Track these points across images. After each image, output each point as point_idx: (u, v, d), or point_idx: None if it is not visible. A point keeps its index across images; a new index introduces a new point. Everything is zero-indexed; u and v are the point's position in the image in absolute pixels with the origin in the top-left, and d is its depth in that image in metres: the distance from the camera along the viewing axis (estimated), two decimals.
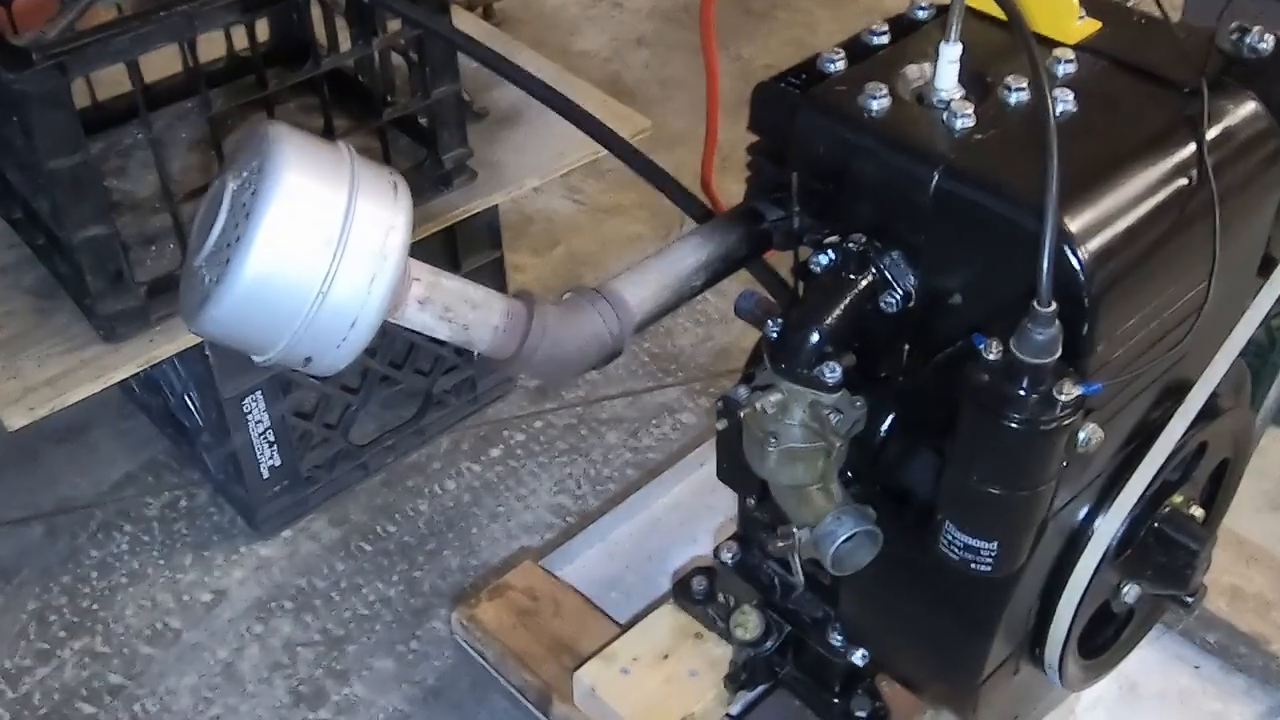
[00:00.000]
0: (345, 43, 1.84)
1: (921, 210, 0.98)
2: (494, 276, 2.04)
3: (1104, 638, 1.27)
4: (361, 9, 1.78)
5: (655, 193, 1.29)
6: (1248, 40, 1.04)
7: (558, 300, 1.01)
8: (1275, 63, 1.05)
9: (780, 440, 1.05)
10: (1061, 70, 1.05)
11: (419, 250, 1.90)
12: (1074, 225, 0.91)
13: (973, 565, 0.98)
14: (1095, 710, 1.50)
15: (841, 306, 1.01)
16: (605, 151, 1.90)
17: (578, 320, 0.99)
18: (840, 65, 1.07)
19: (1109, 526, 1.10)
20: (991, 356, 0.90)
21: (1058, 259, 0.90)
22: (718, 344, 2.27)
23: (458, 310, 0.93)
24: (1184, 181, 0.98)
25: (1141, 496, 1.10)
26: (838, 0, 3.22)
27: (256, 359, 0.88)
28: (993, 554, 0.97)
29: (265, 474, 1.92)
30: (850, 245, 1.02)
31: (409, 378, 2.03)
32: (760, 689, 1.39)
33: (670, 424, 2.14)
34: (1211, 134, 1.00)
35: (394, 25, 1.79)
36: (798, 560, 1.13)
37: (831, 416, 1.04)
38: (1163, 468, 1.10)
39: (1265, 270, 1.13)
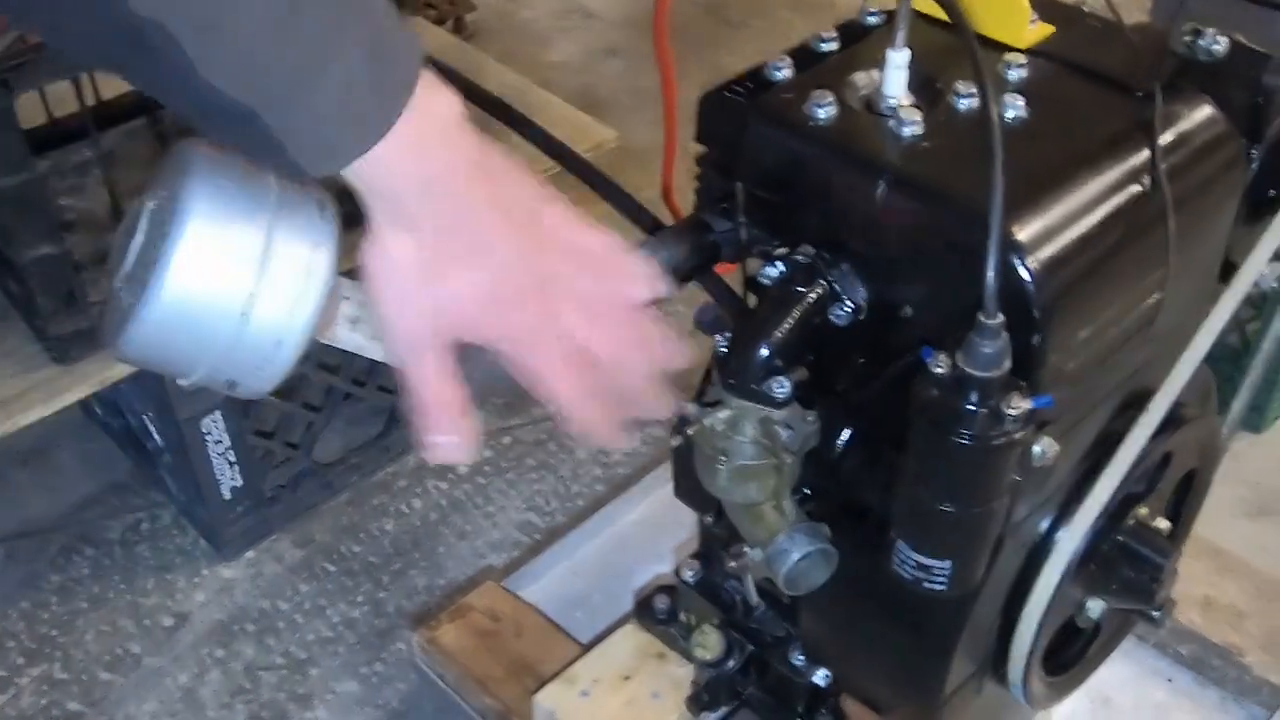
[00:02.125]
0: None
1: (868, 220, 0.95)
2: None
3: (1070, 654, 1.25)
4: None
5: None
6: (1201, 43, 1.01)
7: None
8: (1230, 66, 1.03)
9: (731, 457, 1.02)
10: (1013, 75, 1.02)
11: None
12: (1022, 234, 0.89)
13: (926, 584, 0.95)
14: None
15: (790, 320, 0.98)
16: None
17: None
18: (787, 73, 1.04)
19: (1070, 540, 1.08)
20: (940, 370, 0.87)
21: (1006, 269, 0.88)
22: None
23: None
24: (1137, 188, 0.95)
25: (1104, 510, 1.08)
26: (814, 8, 3.20)
27: (181, 383, 0.85)
28: (946, 572, 0.94)
29: (227, 495, 1.89)
30: (798, 257, 0.99)
31: (373, 394, 2.00)
32: (723, 710, 1.36)
33: (641, 438, 2.11)
34: (1165, 139, 0.97)
35: None
36: (750, 580, 1.11)
37: (782, 432, 1.01)
38: (1125, 480, 1.08)
39: (1226, 276, 1.11)
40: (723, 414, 1.02)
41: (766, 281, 1.02)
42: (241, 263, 0.80)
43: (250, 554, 1.95)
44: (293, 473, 1.96)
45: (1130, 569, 1.14)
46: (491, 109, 1.28)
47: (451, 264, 0.79)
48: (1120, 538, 1.14)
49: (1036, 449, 0.96)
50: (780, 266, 1.01)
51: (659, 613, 1.41)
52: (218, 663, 1.80)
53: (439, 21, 3.17)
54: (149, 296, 0.79)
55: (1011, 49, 1.05)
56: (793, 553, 1.03)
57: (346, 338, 0.90)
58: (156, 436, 1.90)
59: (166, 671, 1.79)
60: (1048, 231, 0.91)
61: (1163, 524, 1.18)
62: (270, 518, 1.96)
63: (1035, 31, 1.06)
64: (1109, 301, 0.95)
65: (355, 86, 0.69)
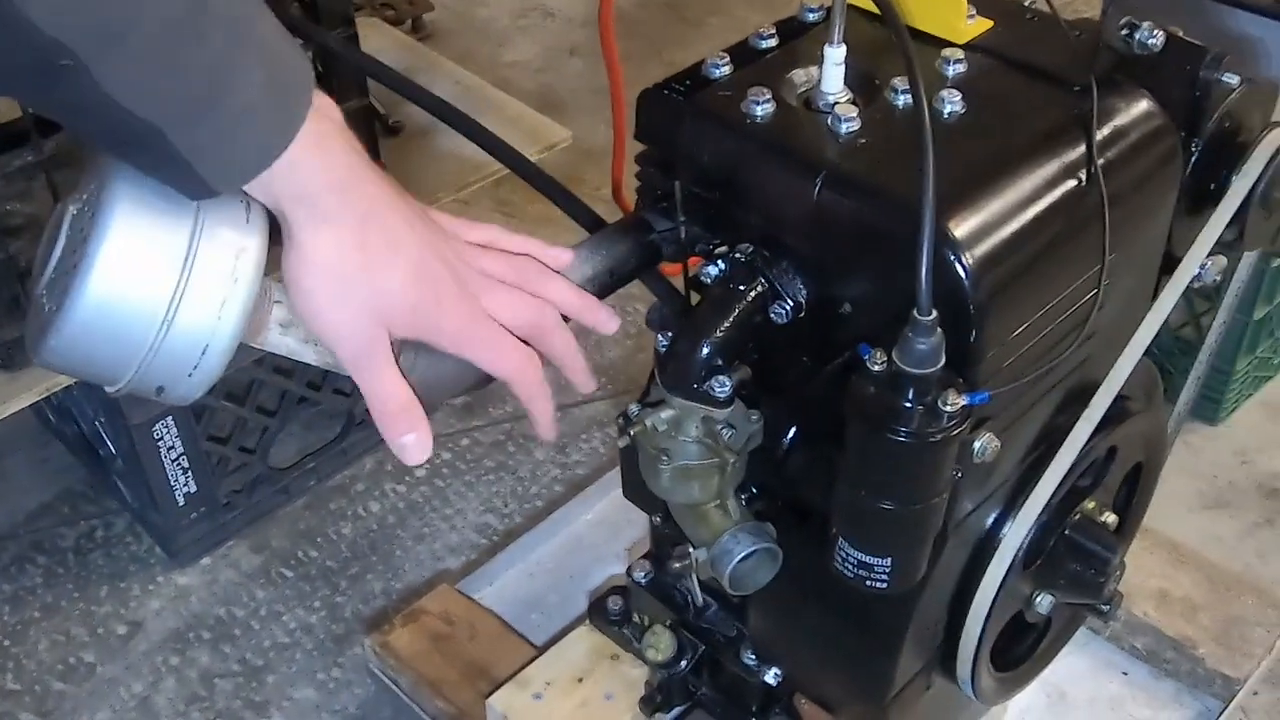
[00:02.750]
0: None
1: (806, 217, 0.95)
2: None
3: (1021, 649, 1.25)
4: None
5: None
6: (1138, 36, 1.01)
7: None
8: (1167, 59, 1.03)
9: (673, 457, 1.02)
10: (951, 71, 1.02)
11: None
12: (958, 230, 0.89)
13: (868, 582, 0.95)
14: None
15: (730, 319, 0.98)
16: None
17: None
18: (726, 70, 1.04)
19: (1015, 535, 1.08)
20: (876, 368, 0.87)
21: (941, 265, 0.88)
22: (649, 356, 2.24)
23: None
24: (1074, 182, 0.95)
25: (1048, 504, 1.08)
26: (771, 6, 3.20)
27: (108, 390, 0.84)
28: (887, 570, 0.94)
29: (181, 501, 1.87)
30: (737, 255, 0.99)
31: (328, 398, 1.98)
32: (677, 711, 1.36)
33: (600, 438, 2.10)
34: (1101, 133, 0.97)
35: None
36: (695, 580, 1.10)
37: (724, 432, 1.00)
38: (1069, 474, 1.08)
39: (1168, 269, 1.11)
40: (664, 414, 1.01)
41: (707, 280, 1.02)
42: (164, 268, 0.79)
43: (206, 560, 1.93)
44: (248, 478, 1.94)
45: (1077, 563, 1.14)
46: (438, 112, 1.28)
47: (376, 255, 0.79)
48: (1066, 532, 1.14)
49: (977, 445, 0.96)
50: (720, 265, 1.00)
51: (612, 614, 1.41)
52: (173, 670, 1.79)
53: (396, 22, 3.15)
54: (70, 303, 0.78)
55: (949, 44, 1.04)
56: (736, 552, 1.02)
57: (278, 342, 0.89)
58: (109, 443, 1.88)
59: (120, 680, 1.77)
60: (984, 227, 0.90)
61: (1110, 518, 1.18)
62: (226, 524, 1.94)
63: (973, 26, 1.06)
64: (1046, 296, 0.95)
65: (258, 98, 0.70)
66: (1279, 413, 2.12)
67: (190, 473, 1.85)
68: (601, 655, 1.40)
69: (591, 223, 1.17)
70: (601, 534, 1.69)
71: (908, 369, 0.85)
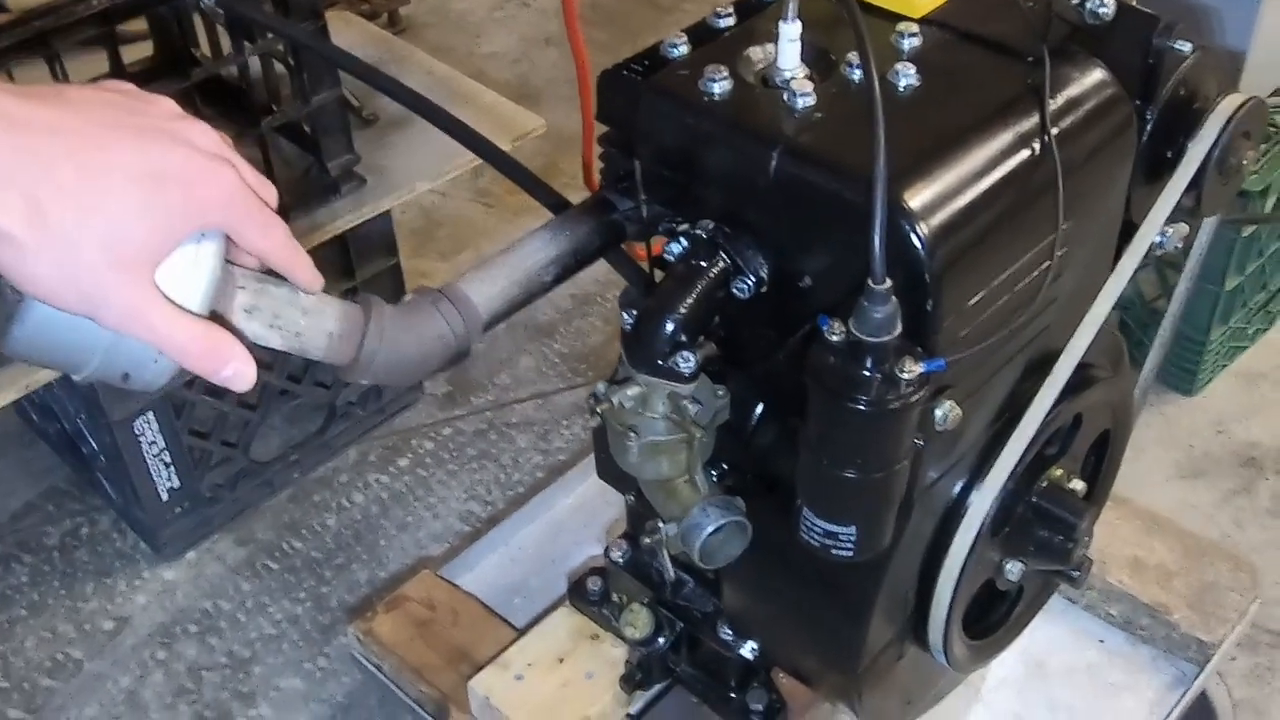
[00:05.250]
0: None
1: (764, 192, 0.96)
2: (391, 284, 2.01)
3: (995, 617, 1.26)
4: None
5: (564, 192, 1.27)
6: (1089, 6, 1.02)
7: (401, 302, 0.98)
8: (1120, 28, 1.04)
9: (641, 434, 1.03)
10: (906, 45, 1.03)
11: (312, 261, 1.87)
12: (913, 201, 0.90)
13: (834, 551, 0.96)
14: (1002, 690, 1.49)
15: (693, 295, 0.99)
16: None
17: (419, 322, 0.96)
18: (683, 50, 1.05)
19: (982, 502, 1.09)
20: (834, 338, 0.88)
21: (897, 235, 0.89)
22: None
23: (288, 317, 0.90)
24: (1028, 152, 0.96)
25: (1014, 471, 1.09)
26: None
27: (75, 377, 0.85)
28: (852, 538, 0.95)
29: (164, 496, 1.88)
30: (698, 232, 1.00)
31: (310, 390, 1.99)
32: (658, 688, 1.37)
33: (581, 425, 2.11)
34: (1054, 103, 0.98)
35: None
36: (666, 556, 1.11)
37: (690, 407, 1.01)
38: (1034, 441, 1.09)
39: (1129, 237, 1.12)
40: (631, 391, 1.02)
41: (670, 258, 1.03)
42: None
43: (191, 555, 1.94)
44: (231, 472, 1.95)
45: (1045, 530, 1.15)
46: (407, 102, 1.29)
47: (79, 192, 0.70)
48: (1034, 499, 1.15)
49: (938, 413, 0.97)
50: (682, 242, 1.01)
51: (591, 594, 1.42)
52: (160, 664, 1.80)
53: (373, 15, 3.16)
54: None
55: (905, 18, 1.05)
56: (705, 526, 1.03)
57: (243, 326, 0.90)
58: (91, 440, 1.89)
59: (108, 675, 1.79)
60: (939, 197, 0.91)
61: (1078, 485, 1.20)
62: (210, 518, 1.95)
63: (929, 1, 1.07)
64: (1002, 265, 0.96)
65: None
66: (1255, 382, 2.14)
67: (172, 467, 1.86)
68: (582, 635, 1.41)
69: (559, 208, 1.18)
70: (582, 517, 1.70)
71: (865, 338, 0.86)
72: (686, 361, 0.99)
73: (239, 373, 0.81)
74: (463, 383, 2.20)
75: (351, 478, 2.05)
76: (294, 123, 1.83)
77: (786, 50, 1.00)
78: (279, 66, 1.84)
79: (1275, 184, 1.86)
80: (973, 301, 0.94)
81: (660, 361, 1.00)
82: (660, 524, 1.07)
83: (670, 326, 0.99)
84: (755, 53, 1.04)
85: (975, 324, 0.95)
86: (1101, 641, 1.54)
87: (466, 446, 2.09)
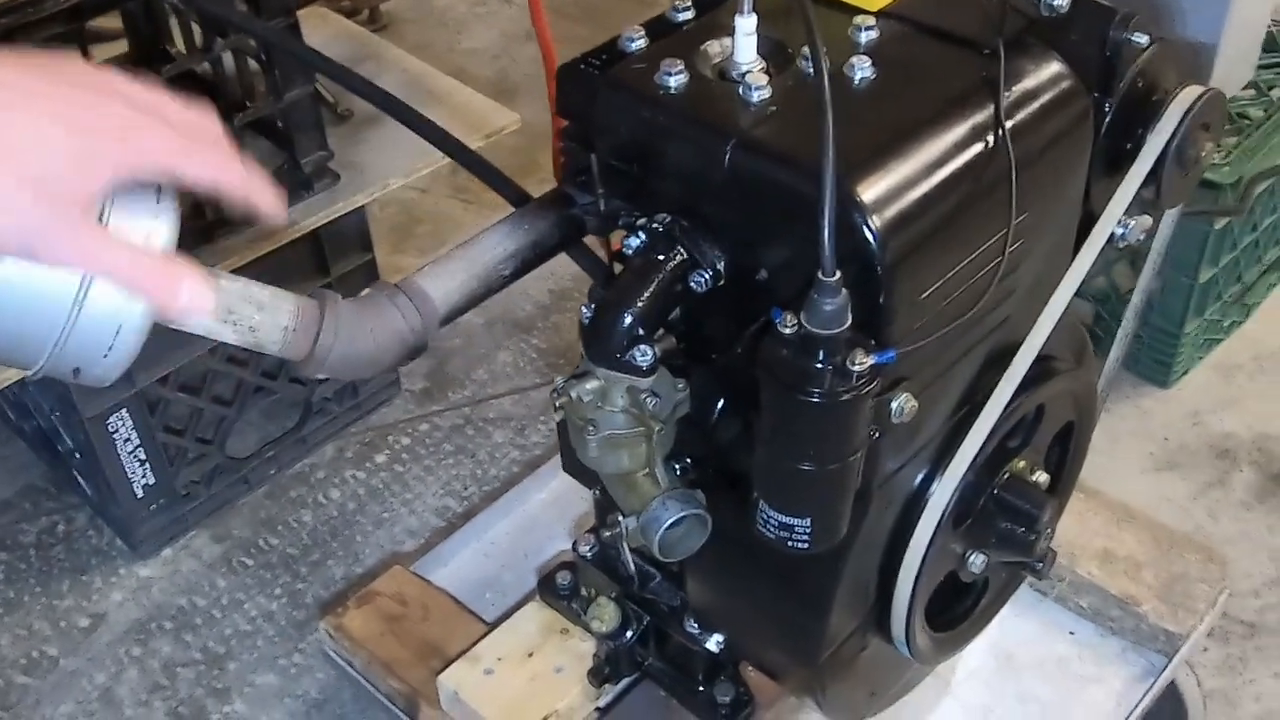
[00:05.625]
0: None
1: (719, 186, 0.96)
2: (366, 280, 2.01)
3: (960, 609, 1.26)
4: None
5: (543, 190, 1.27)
6: None
7: (356, 296, 0.98)
8: (1077, 21, 1.04)
9: (599, 427, 1.03)
10: (864, 37, 1.03)
11: (283, 258, 1.87)
12: (865, 194, 0.90)
13: (790, 543, 0.96)
14: (971, 681, 1.49)
15: (650, 289, 0.99)
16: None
17: (374, 317, 0.96)
18: (641, 43, 1.05)
19: (943, 494, 1.09)
20: (787, 330, 0.88)
21: (849, 229, 0.89)
22: None
23: (242, 312, 0.90)
24: (982, 145, 0.96)
25: (974, 463, 1.09)
26: None
27: (26, 373, 0.85)
28: (808, 530, 0.95)
29: (140, 493, 1.88)
30: (655, 226, 1.00)
31: (285, 387, 1.99)
32: (626, 681, 1.37)
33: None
34: (1009, 96, 0.99)
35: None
36: (627, 549, 1.11)
37: (649, 401, 1.01)
38: (994, 433, 1.09)
39: (1089, 228, 1.13)
40: (589, 385, 1.02)
41: (629, 252, 1.03)
42: None
43: (167, 552, 1.94)
44: (207, 469, 1.95)
45: (1007, 522, 1.16)
46: (373, 99, 1.29)
47: (6, 134, 0.70)
48: (996, 491, 1.16)
49: (894, 404, 0.97)
50: (641, 236, 1.02)
51: (561, 588, 1.42)
52: (135, 661, 1.80)
53: (353, 12, 3.15)
54: None
55: (863, 11, 1.06)
56: (665, 518, 1.04)
57: (195, 321, 0.90)
58: (66, 437, 1.89)
59: (83, 672, 1.78)
60: (892, 190, 0.92)
61: (1041, 477, 1.20)
62: (186, 514, 1.95)
63: None
64: (956, 258, 0.96)
65: None
66: (1230, 374, 2.14)
67: (147, 464, 1.85)
68: (552, 630, 1.41)
69: (522, 201, 1.18)
70: (555, 512, 1.70)
71: (815, 330, 0.86)
72: (644, 355, 0.99)
73: (195, 292, 0.79)
74: (440, 378, 2.20)
75: (328, 474, 2.05)
76: (268, 119, 1.83)
77: (742, 44, 1.00)
78: (253, 63, 1.84)
79: (1247, 176, 1.87)
80: (926, 294, 0.94)
81: (618, 355, 1.00)
82: (620, 518, 1.08)
83: (627, 320, 0.99)
84: (712, 47, 1.04)
85: (929, 316, 0.96)
86: (1072, 633, 1.54)
87: (443, 442, 2.09)
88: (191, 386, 1.86)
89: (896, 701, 1.33)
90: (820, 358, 0.87)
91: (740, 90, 0.98)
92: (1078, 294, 1.98)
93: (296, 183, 1.83)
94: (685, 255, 1.00)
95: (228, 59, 1.87)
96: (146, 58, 1.91)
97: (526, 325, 2.27)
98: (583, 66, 1.05)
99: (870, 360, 0.87)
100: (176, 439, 1.88)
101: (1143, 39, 1.06)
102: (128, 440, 1.81)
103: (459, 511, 1.95)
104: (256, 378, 1.92)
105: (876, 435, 0.97)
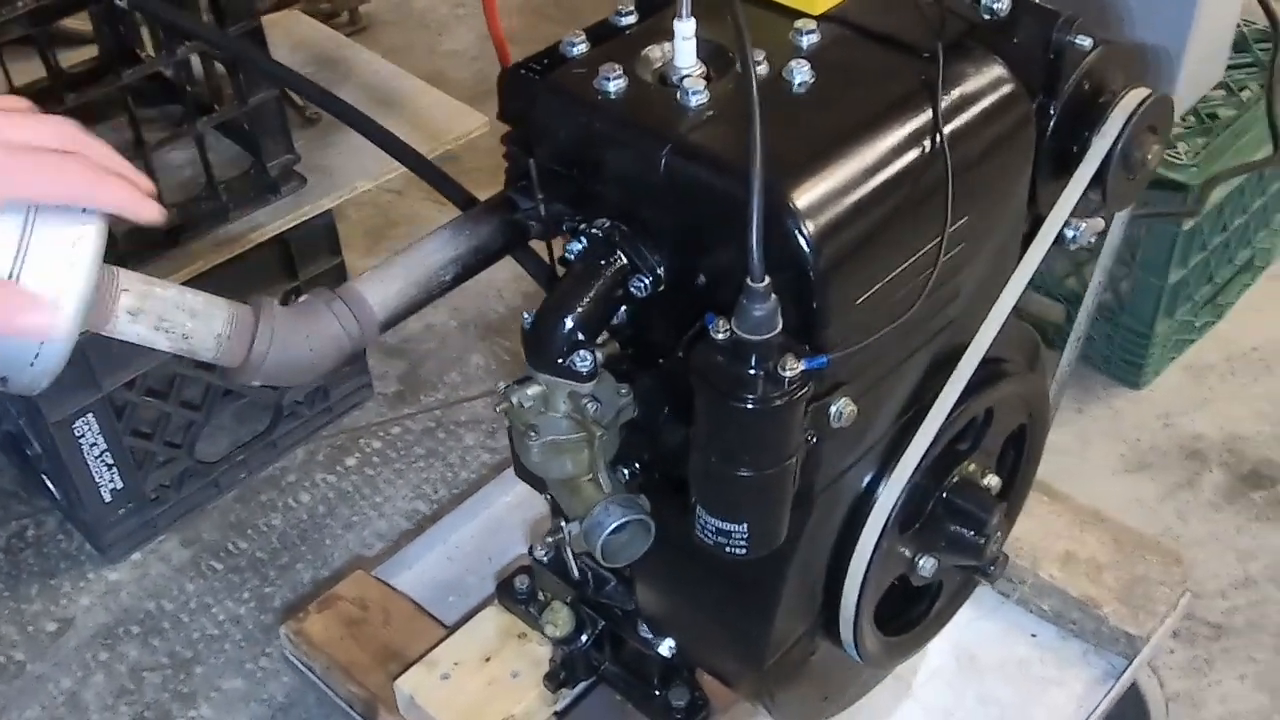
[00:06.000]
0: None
1: (656, 191, 0.96)
2: (335, 284, 2.00)
3: (914, 613, 1.26)
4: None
5: None
6: (984, 1, 1.02)
7: (294, 302, 0.98)
8: (1020, 24, 1.04)
9: (541, 433, 1.03)
10: (804, 41, 1.03)
11: (251, 262, 1.87)
12: (800, 200, 0.90)
13: (727, 549, 0.96)
14: (933, 682, 1.49)
15: (590, 294, 0.99)
16: (438, 153, 1.89)
17: (311, 323, 0.96)
18: (582, 48, 1.05)
19: (888, 497, 1.09)
20: (719, 336, 0.88)
21: (784, 234, 0.89)
22: None
23: (174, 320, 0.90)
24: (920, 150, 0.96)
25: (921, 467, 1.09)
26: None
27: None
28: (745, 536, 0.95)
29: (108, 497, 1.88)
30: (594, 231, 1.00)
31: (255, 390, 1.99)
32: (582, 686, 1.37)
33: None
34: (948, 100, 0.98)
35: None
36: (570, 554, 1.11)
37: (590, 406, 1.01)
38: (941, 436, 1.09)
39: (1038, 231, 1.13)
40: (530, 390, 1.02)
41: (571, 257, 1.03)
42: None
43: (137, 556, 1.94)
44: (176, 473, 1.95)
45: (956, 525, 1.15)
46: (333, 110, 1.29)
47: None
48: (945, 495, 1.15)
49: (833, 409, 0.97)
50: (581, 241, 1.01)
51: (519, 592, 1.42)
52: (102, 666, 1.80)
53: (333, 14, 3.16)
54: None
55: (805, 15, 1.05)
56: (607, 524, 1.03)
57: (127, 330, 0.90)
58: (34, 441, 1.88)
59: (49, 677, 1.78)
60: (827, 196, 0.91)
61: (992, 480, 1.20)
62: (155, 518, 1.95)
63: None
64: (892, 263, 0.96)
65: None
66: (1203, 375, 2.14)
67: (115, 469, 1.85)
68: (510, 634, 1.41)
69: (469, 205, 1.18)
70: (520, 515, 1.69)
71: (746, 336, 0.86)
72: (584, 361, 0.99)
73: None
74: (413, 381, 2.20)
75: (299, 477, 2.05)
76: (234, 122, 1.83)
77: (682, 48, 1.00)
78: (220, 66, 1.84)
79: (1214, 178, 1.87)
80: (861, 299, 0.94)
81: (559, 360, 1.00)
82: (563, 523, 1.08)
83: (567, 326, 0.99)
84: (653, 51, 1.03)
85: (865, 321, 0.95)
86: (1034, 636, 1.54)
87: (414, 445, 2.09)
88: (159, 391, 1.86)
89: (852, 705, 1.33)
90: (752, 363, 0.87)
91: (678, 95, 0.97)
92: (1049, 294, 1.99)
93: (263, 186, 1.83)
94: (625, 260, 1.00)
95: (197, 62, 1.88)
96: (116, 60, 1.91)
97: (499, 328, 2.27)
98: (523, 71, 1.05)
99: (801, 366, 0.87)
100: (144, 443, 1.88)
101: (1086, 42, 1.06)
102: (94, 445, 1.81)
103: (428, 515, 1.95)
104: (225, 381, 1.92)
105: (814, 440, 0.97)
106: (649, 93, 1.00)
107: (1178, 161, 1.85)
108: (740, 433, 0.90)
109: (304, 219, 1.84)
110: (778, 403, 0.87)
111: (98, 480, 1.85)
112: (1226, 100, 2.00)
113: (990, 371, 1.16)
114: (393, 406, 2.16)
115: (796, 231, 0.89)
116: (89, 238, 0.83)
